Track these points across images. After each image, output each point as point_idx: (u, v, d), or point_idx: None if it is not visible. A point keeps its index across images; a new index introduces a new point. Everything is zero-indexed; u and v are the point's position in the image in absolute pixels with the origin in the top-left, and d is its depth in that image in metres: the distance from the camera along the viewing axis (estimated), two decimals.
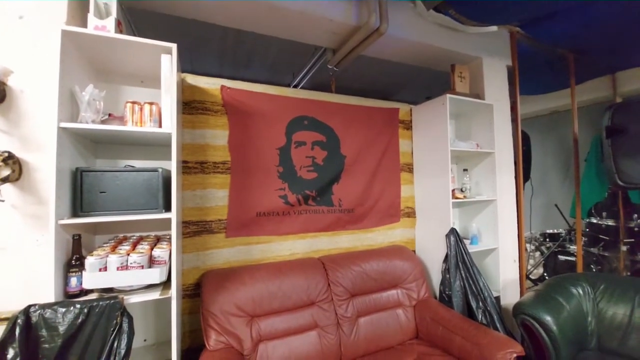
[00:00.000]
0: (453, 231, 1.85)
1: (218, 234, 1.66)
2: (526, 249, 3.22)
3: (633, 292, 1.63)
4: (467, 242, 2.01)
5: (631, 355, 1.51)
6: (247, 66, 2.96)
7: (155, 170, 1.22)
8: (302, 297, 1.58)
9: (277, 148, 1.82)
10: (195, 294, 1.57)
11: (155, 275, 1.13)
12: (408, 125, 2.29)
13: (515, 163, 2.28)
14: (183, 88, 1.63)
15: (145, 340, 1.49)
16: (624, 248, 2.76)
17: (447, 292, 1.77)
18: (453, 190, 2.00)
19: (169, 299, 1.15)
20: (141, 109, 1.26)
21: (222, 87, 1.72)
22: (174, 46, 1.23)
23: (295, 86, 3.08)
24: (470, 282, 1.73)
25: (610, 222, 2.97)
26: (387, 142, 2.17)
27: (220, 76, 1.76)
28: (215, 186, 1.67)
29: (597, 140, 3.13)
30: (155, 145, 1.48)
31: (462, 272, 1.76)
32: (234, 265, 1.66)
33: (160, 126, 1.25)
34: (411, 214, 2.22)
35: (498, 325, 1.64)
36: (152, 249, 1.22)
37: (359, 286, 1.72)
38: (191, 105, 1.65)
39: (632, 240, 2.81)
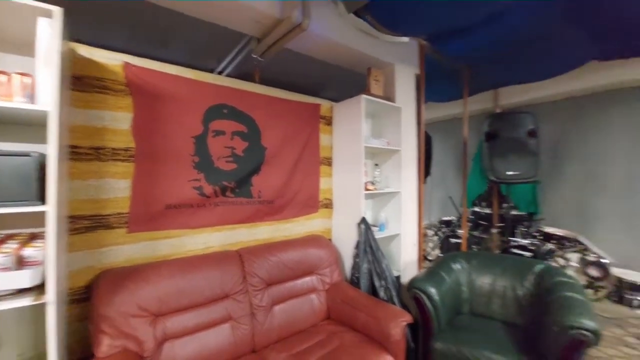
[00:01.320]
0: (364, 220, 2.04)
1: (118, 229, 1.49)
2: (427, 234, 3.75)
3: (495, 266, 2.06)
4: (376, 229, 2.24)
5: (493, 316, 1.91)
6: (164, 45, 2.68)
7: (26, 154, 1.03)
8: (216, 290, 1.55)
9: (193, 136, 1.71)
10: (88, 297, 1.39)
11: (24, 278, 0.97)
12: (329, 121, 2.41)
13: (418, 160, 2.63)
14: (73, 61, 1.40)
15: (19, 355, 1.26)
16: (494, 231, 3.45)
17: (356, 275, 1.96)
18: (366, 183, 2.20)
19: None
20: (9, 80, 1.05)
21: (126, 64, 1.53)
22: (55, 9, 1.05)
23: (220, 73, 2.93)
24: (376, 264, 1.95)
25: (487, 210, 3.67)
26: (308, 136, 2.25)
27: (129, 52, 1.56)
28: (115, 175, 1.49)
29: (481, 143, 3.83)
30: (32, 125, 1.25)
31: (369, 256, 1.96)
32: (138, 263, 1.52)
33: (33, 102, 1.06)
34: (329, 205, 2.36)
35: (395, 300, 1.89)
36: (22, 248, 1.04)
37: (275, 275, 1.77)
38: (84, 82, 1.43)
39: (502, 224, 3.54)
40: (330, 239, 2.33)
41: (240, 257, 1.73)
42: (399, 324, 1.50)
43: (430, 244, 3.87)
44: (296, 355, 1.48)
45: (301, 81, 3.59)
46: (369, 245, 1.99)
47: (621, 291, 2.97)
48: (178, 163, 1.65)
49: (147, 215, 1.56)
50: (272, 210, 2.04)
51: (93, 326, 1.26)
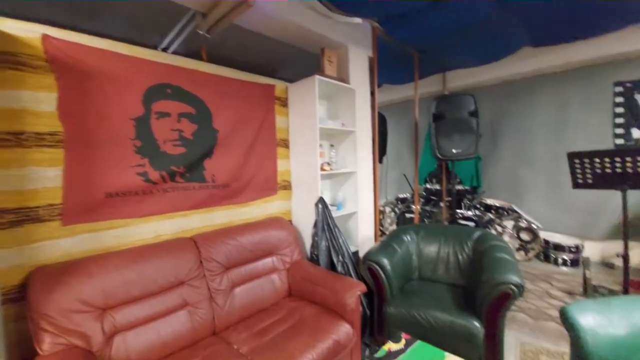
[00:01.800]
0: (321, 200, 2.09)
1: (50, 222, 1.35)
2: (385, 212, 3.95)
3: (441, 235, 2.25)
4: (334, 208, 2.31)
5: (439, 280, 2.10)
6: (97, 18, 2.39)
7: None
8: (170, 279, 1.50)
9: (133, 119, 1.59)
10: (23, 297, 1.26)
11: None
12: (284, 102, 2.37)
13: (373, 141, 2.72)
14: None
15: None
16: (443, 205, 3.74)
17: (315, 253, 2.02)
18: (322, 164, 2.24)
19: None
20: None
21: (45, 36, 1.35)
22: None
23: (165, 50, 2.71)
24: (333, 241, 2.02)
25: (437, 187, 3.95)
26: (263, 117, 2.20)
27: (52, 24, 1.37)
28: (41, 163, 1.34)
29: (430, 124, 4.07)
30: None
31: (327, 234, 2.03)
32: (77, 257, 1.40)
33: None
34: (287, 186, 2.37)
35: (352, 273, 2.00)
36: None
37: (234, 259, 1.75)
38: None
39: (449, 199, 3.85)
40: (290, 220, 2.35)
41: (195, 244, 1.68)
42: (354, 294, 1.59)
43: (388, 220, 4.09)
44: (258, 333, 1.51)
45: (255, 61, 3.46)
46: (326, 223, 2.05)
47: (548, 251, 3.44)
48: (117, 148, 1.52)
49: (85, 206, 1.43)
50: (228, 194, 2.00)
51: (32, 325, 1.17)
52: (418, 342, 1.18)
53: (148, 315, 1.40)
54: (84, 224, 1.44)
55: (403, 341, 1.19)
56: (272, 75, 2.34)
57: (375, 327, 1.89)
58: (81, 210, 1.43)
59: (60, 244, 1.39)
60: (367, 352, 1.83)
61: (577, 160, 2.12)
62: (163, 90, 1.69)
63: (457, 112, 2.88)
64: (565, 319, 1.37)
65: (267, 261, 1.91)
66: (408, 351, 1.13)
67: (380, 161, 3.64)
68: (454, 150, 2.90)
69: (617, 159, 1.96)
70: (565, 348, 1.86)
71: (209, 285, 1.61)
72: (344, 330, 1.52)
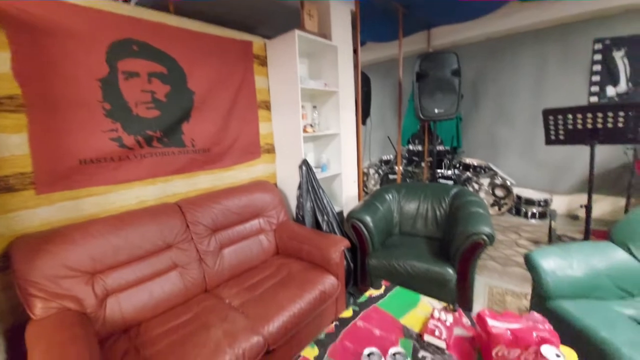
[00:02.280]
0: (305, 162, 2.09)
1: (23, 191, 1.30)
2: (369, 174, 4.03)
3: (420, 193, 2.35)
4: (318, 170, 2.33)
5: (418, 234, 2.23)
6: None
7: None
8: (157, 243, 1.51)
9: (98, 79, 1.47)
10: (7, 266, 1.25)
11: None
12: (263, 61, 2.25)
13: (356, 101, 2.68)
14: None
15: None
16: (423, 165, 3.84)
17: (301, 214, 2.08)
18: (305, 126, 2.21)
19: None
20: None
21: None
22: None
23: (127, 0, 2.44)
24: (318, 202, 2.07)
25: (419, 148, 4.02)
26: (242, 77, 2.10)
27: None
28: (4, 130, 1.25)
29: (414, 83, 4.02)
30: None
31: (312, 195, 2.07)
32: (57, 226, 1.38)
33: None
34: (271, 149, 2.35)
35: (336, 231, 2.09)
36: None
37: (221, 222, 1.78)
38: None
39: (431, 159, 3.95)
40: (275, 183, 2.36)
41: (180, 209, 1.68)
42: (338, 249, 1.68)
43: (372, 182, 4.19)
44: (248, 288, 1.59)
45: (229, 16, 3.19)
46: (311, 185, 2.08)
47: (519, 206, 3.67)
48: (84, 111, 1.43)
49: (58, 173, 1.38)
50: (210, 159, 1.96)
51: (21, 292, 1.18)
52: (397, 288, 1.29)
53: (138, 278, 1.43)
54: (60, 192, 1.40)
55: (383, 287, 1.29)
56: (249, 32, 2.19)
57: (358, 278, 2.03)
58: (54, 178, 1.38)
59: (38, 213, 1.35)
60: (351, 300, 1.98)
61: (551, 117, 2.18)
62: (128, 46, 1.56)
63: (440, 71, 2.84)
64: (529, 263, 1.52)
65: (254, 223, 1.95)
66: (387, 296, 1.23)
67: (364, 123, 3.62)
68: (436, 110, 2.91)
69: (589, 115, 2.04)
70: (528, 289, 2.08)
71: (198, 248, 1.65)
72: (330, 282, 1.62)
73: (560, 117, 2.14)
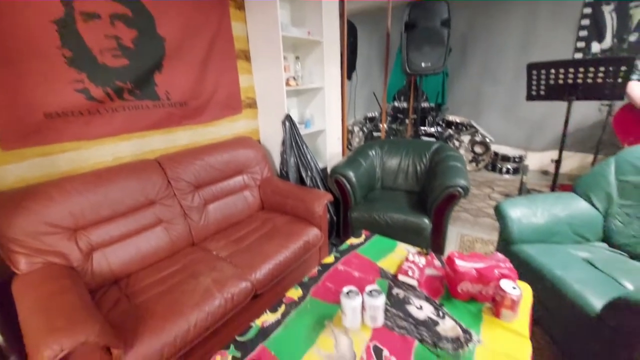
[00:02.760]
0: (288, 117, 2.04)
1: None
2: (354, 131, 4.00)
3: (403, 149, 2.38)
4: (302, 126, 2.29)
5: (399, 188, 2.32)
6: None
7: None
8: (139, 199, 1.50)
9: (53, 21, 1.31)
10: None
11: None
12: (240, 4, 2.06)
13: (341, 55, 2.55)
14: None
15: None
16: (407, 122, 3.84)
17: (285, 170, 2.08)
18: (287, 79, 2.11)
19: None
20: None
21: None
22: None
23: None
24: (302, 158, 2.08)
25: (405, 104, 3.98)
26: (218, 23, 1.93)
27: None
28: None
29: (402, 34, 3.84)
30: None
31: (295, 151, 2.06)
32: (33, 183, 1.33)
33: None
34: (252, 104, 2.26)
35: (320, 186, 2.13)
36: None
37: (204, 178, 1.77)
38: None
39: (415, 116, 3.94)
40: (258, 140, 2.32)
41: (159, 165, 1.64)
42: (321, 203, 1.73)
43: (357, 140, 4.19)
44: (235, 241, 1.64)
45: None
46: (294, 141, 2.06)
47: (496, 162, 3.82)
48: (42, 60, 1.30)
49: (24, 128, 1.29)
50: (189, 113, 1.87)
51: (2, 249, 1.17)
52: (376, 236, 1.37)
53: (123, 233, 1.44)
54: (30, 147, 1.33)
55: (363, 236, 1.37)
56: None
57: (340, 229, 2.12)
58: (21, 133, 1.29)
59: (9, 169, 1.29)
60: (333, 250, 2.10)
61: (534, 72, 2.18)
62: None
63: (429, 21, 2.70)
64: (498, 213, 1.63)
65: (238, 179, 1.95)
66: (367, 243, 1.32)
67: (349, 77, 3.50)
68: (423, 64, 2.83)
69: (571, 70, 2.05)
70: (495, 237, 2.26)
71: (181, 204, 1.65)
72: (313, 233, 1.70)
73: (543, 71, 2.15)
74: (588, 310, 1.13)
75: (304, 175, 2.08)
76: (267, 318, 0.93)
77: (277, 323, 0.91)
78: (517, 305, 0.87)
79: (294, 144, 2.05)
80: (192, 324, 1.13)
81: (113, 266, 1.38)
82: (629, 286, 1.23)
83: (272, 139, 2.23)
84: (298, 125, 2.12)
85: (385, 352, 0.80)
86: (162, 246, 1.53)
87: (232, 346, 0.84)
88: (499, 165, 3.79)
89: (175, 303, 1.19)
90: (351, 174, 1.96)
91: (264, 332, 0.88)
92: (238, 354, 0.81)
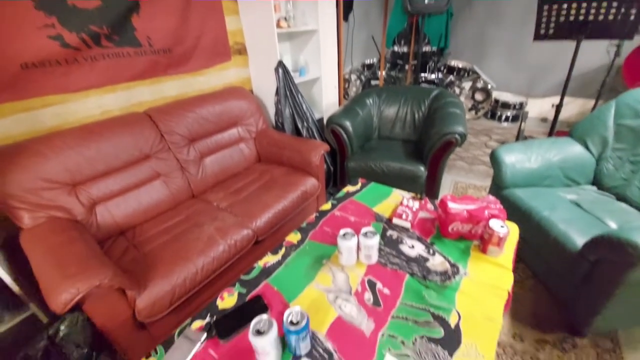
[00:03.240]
0: (280, 64, 1.93)
1: None
2: (350, 80, 3.82)
3: (401, 96, 2.30)
4: (296, 74, 2.17)
5: (396, 138, 2.29)
6: None
7: None
8: (133, 153, 1.49)
9: None
10: None
11: None
12: None
13: None
14: None
15: None
16: (407, 68, 3.66)
17: (280, 121, 2.03)
18: (278, 20, 1.94)
19: None
20: None
21: None
22: None
23: None
24: (297, 108, 2.01)
25: (405, 49, 3.75)
26: None
27: None
28: None
29: None
30: None
31: (290, 100, 1.99)
32: (20, 140, 1.30)
33: None
34: (242, 50, 2.11)
35: (316, 136, 2.10)
36: None
37: (197, 131, 1.73)
38: None
39: (415, 61, 3.73)
40: (250, 90, 2.23)
41: (150, 118, 1.60)
42: (318, 153, 1.73)
43: (354, 89, 4.02)
44: (234, 192, 1.67)
45: None
46: (289, 90, 1.98)
47: (495, 109, 3.74)
48: (7, 4, 1.17)
49: (1, 82, 1.22)
50: (174, 61, 1.76)
51: (4, 206, 1.18)
52: (372, 184, 1.40)
53: (123, 188, 1.46)
54: (10, 102, 1.27)
55: (359, 184, 1.40)
56: None
57: (337, 179, 2.16)
58: None
59: None
60: (330, 198, 2.16)
61: (546, 7, 2.02)
62: None
63: None
64: (494, 158, 1.65)
65: (233, 132, 1.91)
66: (363, 190, 1.35)
67: (346, 18, 3.23)
68: (426, 2, 2.60)
69: (584, 5, 1.91)
70: (488, 183, 2.32)
71: (177, 157, 1.64)
72: (311, 183, 1.73)
73: (555, 6, 2.00)
74: (570, 247, 1.20)
75: (299, 126, 2.04)
76: (269, 259, 0.99)
77: (278, 263, 0.97)
78: (504, 242, 0.93)
79: (288, 93, 1.97)
80: (199, 267, 1.21)
81: (117, 219, 1.42)
82: (613, 225, 1.30)
83: (265, 88, 2.14)
84: (292, 73, 2.02)
85: (379, 285, 0.87)
86: (162, 199, 1.56)
87: (237, 284, 0.91)
88: (499, 113, 3.72)
89: (182, 250, 1.25)
90: (348, 124, 1.93)
91: (267, 271, 0.95)
92: (243, 290, 0.88)
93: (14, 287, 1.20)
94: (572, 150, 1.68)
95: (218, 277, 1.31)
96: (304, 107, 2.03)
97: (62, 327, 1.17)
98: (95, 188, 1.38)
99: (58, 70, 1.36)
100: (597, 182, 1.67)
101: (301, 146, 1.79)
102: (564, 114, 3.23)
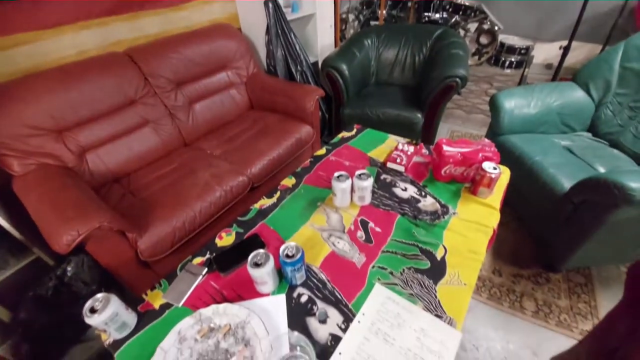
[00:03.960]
0: None
1: None
2: (347, 20, 3.52)
3: (402, 36, 2.15)
4: (288, 10, 1.99)
5: (394, 83, 2.20)
6: None
7: None
8: (118, 98, 1.41)
9: None
10: None
11: None
12: None
13: None
14: None
15: None
16: (410, 5, 3.36)
17: (272, 64, 1.91)
18: None
19: None
20: None
21: None
22: None
23: None
24: (290, 49, 1.88)
25: None
26: None
27: None
28: None
29: None
30: None
31: (282, 40, 1.84)
32: None
33: None
34: None
35: (311, 81, 2.01)
36: None
37: (183, 74, 1.63)
38: None
39: None
40: (239, 29, 2.05)
41: (131, 59, 1.48)
42: (312, 99, 1.66)
43: (352, 31, 3.73)
44: (227, 140, 1.64)
45: None
46: (280, 28, 1.82)
47: (499, 55, 3.54)
48: None
49: None
50: None
51: None
52: (367, 129, 1.37)
53: (111, 134, 1.41)
54: None
55: (355, 130, 1.37)
56: None
57: (333, 127, 2.11)
58: None
59: None
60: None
61: None
62: None
63: None
64: (493, 103, 1.61)
65: (222, 76, 1.81)
66: (358, 136, 1.33)
67: None
68: None
69: None
70: (484, 132, 2.30)
71: (165, 103, 1.57)
72: (305, 130, 1.69)
73: None
74: (557, 190, 1.24)
75: (293, 70, 1.93)
76: (265, 202, 1.01)
77: (274, 206, 1.00)
78: (494, 184, 0.95)
79: (279, 31, 1.82)
80: (197, 211, 1.23)
81: (110, 166, 1.40)
82: (602, 170, 1.33)
83: (255, 26, 1.96)
84: (284, 9, 1.84)
85: (371, 224, 0.90)
86: (154, 147, 1.53)
87: (234, 224, 0.94)
88: (503, 59, 3.53)
89: (179, 195, 1.26)
90: (344, 67, 1.82)
91: (263, 213, 0.97)
92: (241, 230, 0.92)
93: (15, 233, 1.23)
94: (573, 95, 1.64)
95: (217, 221, 1.35)
96: (297, 47, 1.90)
97: (69, 268, 1.23)
98: (83, 135, 1.34)
99: (24, 4, 1.21)
100: (593, 128, 1.66)
101: (295, 91, 1.71)
102: (570, 60, 3.08)
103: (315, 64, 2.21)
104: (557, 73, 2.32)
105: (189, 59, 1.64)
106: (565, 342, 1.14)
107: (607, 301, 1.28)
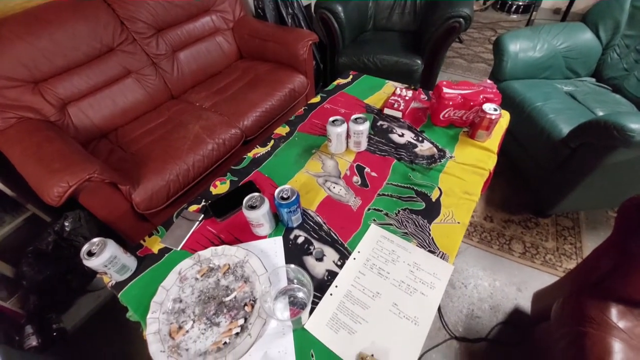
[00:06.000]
0: None
1: None
2: None
3: None
4: None
5: (393, 28, 2.04)
6: None
7: None
8: (94, 45, 1.31)
9: None
10: None
11: None
12: None
13: None
14: None
15: None
16: None
17: (261, 7, 1.76)
18: None
19: None
20: None
21: None
22: None
23: None
24: None
25: None
26: None
27: None
28: None
29: None
30: None
31: None
32: None
33: None
34: None
35: (303, 25, 1.86)
36: None
37: (163, 18, 1.49)
38: None
39: None
40: None
41: (105, 2, 1.34)
42: (305, 44, 1.55)
43: None
44: (217, 92, 1.56)
45: None
46: None
47: None
48: None
49: None
50: None
51: None
52: (364, 76, 1.30)
53: (92, 86, 1.33)
54: None
55: (350, 76, 1.30)
56: None
57: (328, 78, 2.01)
58: None
59: None
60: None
61: None
62: None
63: None
64: (498, 46, 1.52)
65: (206, 20, 1.66)
66: (354, 83, 1.26)
67: None
68: None
69: None
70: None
71: (146, 51, 1.46)
72: (299, 80, 1.61)
73: None
74: (555, 135, 1.23)
75: (284, 12, 1.77)
76: (258, 151, 0.99)
77: (268, 154, 0.97)
78: (493, 126, 0.92)
79: None
80: (190, 164, 1.21)
81: (94, 120, 1.34)
82: (601, 114, 1.30)
83: None
84: None
85: (367, 169, 0.89)
86: (139, 99, 1.45)
87: (228, 173, 0.92)
88: (509, 2, 3.29)
89: (170, 148, 1.23)
90: (339, 9, 1.68)
91: (257, 161, 0.95)
92: (235, 178, 0.90)
93: (6, 190, 1.21)
94: (581, 37, 1.55)
95: (212, 175, 1.33)
96: None
97: (67, 224, 1.24)
98: (61, 86, 1.26)
99: None
100: (597, 73, 1.61)
101: (286, 36, 1.59)
102: (578, 5, 2.86)
103: (308, 7, 2.03)
104: (564, 18, 2.17)
105: (167, 0, 1.49)
106: (549, 279, 1.22)
107: (592, 242, 1.34)
